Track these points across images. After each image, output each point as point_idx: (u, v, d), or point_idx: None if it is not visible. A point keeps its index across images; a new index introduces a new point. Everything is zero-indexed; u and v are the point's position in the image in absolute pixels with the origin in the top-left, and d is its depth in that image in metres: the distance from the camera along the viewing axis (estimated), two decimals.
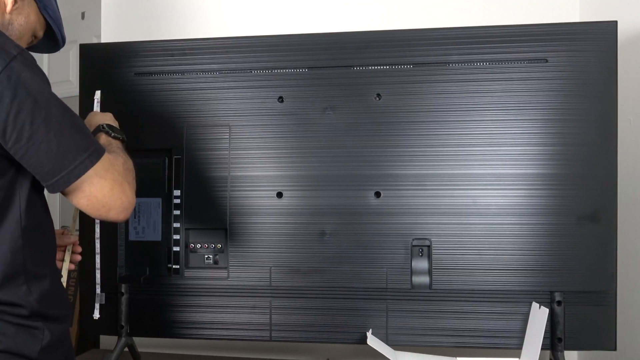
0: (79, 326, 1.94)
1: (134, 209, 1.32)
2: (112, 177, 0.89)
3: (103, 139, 1.04)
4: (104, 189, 0.88)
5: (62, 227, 2.41)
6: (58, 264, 1.11)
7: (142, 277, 1.32)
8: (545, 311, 1.16)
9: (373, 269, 1.24)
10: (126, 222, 1.33)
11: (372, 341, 1.19)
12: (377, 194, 1.24)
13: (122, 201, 0.90)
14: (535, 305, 1.19)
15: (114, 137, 1.05)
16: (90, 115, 1.13)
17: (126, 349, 1.33)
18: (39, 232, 0.91)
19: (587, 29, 1.20)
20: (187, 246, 1.31)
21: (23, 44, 1.00)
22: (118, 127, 1.13)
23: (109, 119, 1.12)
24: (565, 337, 1.18)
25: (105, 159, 0.89)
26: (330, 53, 1.27)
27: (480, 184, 1.21)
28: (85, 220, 1.31)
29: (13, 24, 0.97)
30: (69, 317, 0.98)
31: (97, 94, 1.29)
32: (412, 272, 1.23)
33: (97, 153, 0.88)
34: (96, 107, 1.29)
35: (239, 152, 1.29)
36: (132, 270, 1.34)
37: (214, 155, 1.30)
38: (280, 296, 1.27)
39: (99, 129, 1.06)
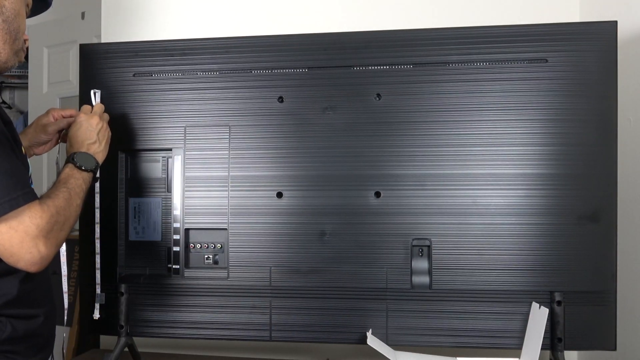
0: (79, 326, 1.94)
1: (134, 208, 1.33)
2: (25, 229, 0.90)
3: (67, 171, 1.07)
4: (12, 240, 0.90)
5: None
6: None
7: (142, 277, 1.32)
8: (545, 311, 1.16)
9: (373, 269, 1.24)
10: (126, 222, 1.33)
11: (372, 341, 1.19)
12: (377, 194, 1.24)
13: (32, 255, 0.92)
14: (535, 305, 1.19)
15: (83, 170, 1.09)
16: (75, 128, 1.15)
17: (126, 349, 1.33)
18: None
19: (587, 29, 1.20)
20: (187, 246, 1.31)
21: (20, 19, 1.02)
22: (104, 140, 1.17)
23: (92, 138, 1.14)
24: (565, 337, 1.18)
25: (23, 210, 0.90)
26: (330, 53, 1.27)
27: (480, 184, 1.21)
28: (84, 220, 1.31)
29: (5, 6, 0.98)
30: (42, 315, 1.05)
31: (97, 95, 1.29)
32: (412, 272, 1.23)
33: (10, 204, 0.89)
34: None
35: (239, 152, 1.29)
36: (132, 270, 1.34)
37: (214, 155, 1.30)
38: (280, 296, 1.27)
39: (70, 159, 1.09)
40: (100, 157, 1.16)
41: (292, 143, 1.27)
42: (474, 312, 1.21)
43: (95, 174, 1.13)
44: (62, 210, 0.98)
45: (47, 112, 1.22)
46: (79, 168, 1.09)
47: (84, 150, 1.13)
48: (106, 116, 1.22)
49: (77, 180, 1.06)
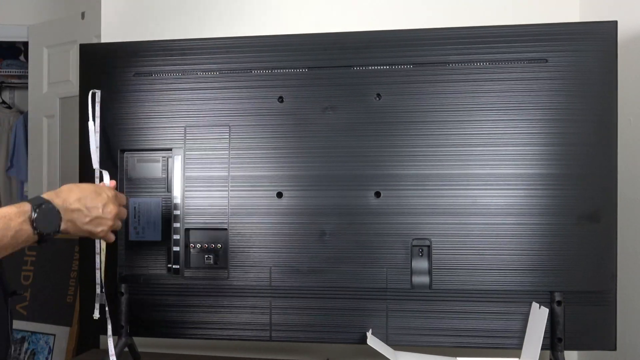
0: (79, 326, 1.94)
1: (134, 208, 1.33)
2: None
3: (24, 227, 0.87)
4: None
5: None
6: None
7: (142, 277, 1.32)
8: (545, 311, 1.16)
9: (373, 269, 1.24)
10: (126, 222, 1.33)
11: (372, 341, 1.19)
12: (377, 194, 1.24)
13: None
14: (535, 305, 1.19)
15: (35, 232, 0.88)
16: (68, 189, 0.97)
17: (126, 349, 1.33)
18: None
19: (587, 29, 1.20)
20: (187, 246, 1.31)
21: None
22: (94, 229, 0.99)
23: (77, 204, 0.95)
24: (565, 337, 1.18)
25: None
26: (330, 53, 1.27)
27: (480, 184, 1.21)
28: None
29: None
30: None
31: (97, 95, 1.29)
32: (412, 272, 1.23)
33: None
34: (97, 109, 1.29)
35: (239, 152, 1.29)
36: (132, 270, 1.34)
37: (214, 155, 1.30)
38: (280, 296, 1.27)
39: (40, 210, 0.88)
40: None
41: (292, 143, 1.27)
42: (474, 312, 1.21)
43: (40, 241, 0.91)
44: None
45: None
46: (40, 238, 0.89)
47: (79, 225, 0.96)
48: (123, 212, 1.07)
49: (22, 242, 0.87)
